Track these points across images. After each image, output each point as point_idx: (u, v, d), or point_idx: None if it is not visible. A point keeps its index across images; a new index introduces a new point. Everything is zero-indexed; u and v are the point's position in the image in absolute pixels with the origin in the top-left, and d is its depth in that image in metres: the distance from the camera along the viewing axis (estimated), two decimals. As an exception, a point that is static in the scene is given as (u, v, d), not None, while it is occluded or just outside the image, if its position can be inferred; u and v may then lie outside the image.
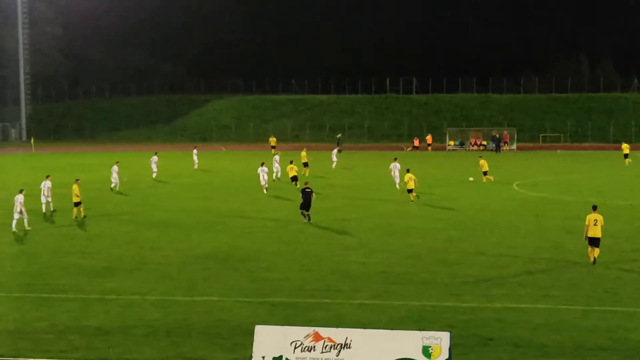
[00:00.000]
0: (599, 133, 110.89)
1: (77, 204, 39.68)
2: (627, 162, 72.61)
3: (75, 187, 39.85)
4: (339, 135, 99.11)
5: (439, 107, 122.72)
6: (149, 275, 26.81)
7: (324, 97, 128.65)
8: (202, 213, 41.76)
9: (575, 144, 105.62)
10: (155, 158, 60.52)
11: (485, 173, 56.81)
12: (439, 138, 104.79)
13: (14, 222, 36.49)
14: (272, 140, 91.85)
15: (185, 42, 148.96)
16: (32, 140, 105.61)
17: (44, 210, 41.30)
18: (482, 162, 57.62)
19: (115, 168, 53.13)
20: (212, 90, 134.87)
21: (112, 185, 52.58)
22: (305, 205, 38.58)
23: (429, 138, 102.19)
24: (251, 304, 23.10)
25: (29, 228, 36.68)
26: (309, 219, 38.18)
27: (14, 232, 35.99)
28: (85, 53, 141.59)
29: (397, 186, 52.11)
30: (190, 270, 27.55)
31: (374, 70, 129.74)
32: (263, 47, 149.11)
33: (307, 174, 59.71)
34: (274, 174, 58.08)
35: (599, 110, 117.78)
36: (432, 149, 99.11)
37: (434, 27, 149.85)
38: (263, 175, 50.96)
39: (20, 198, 36.80)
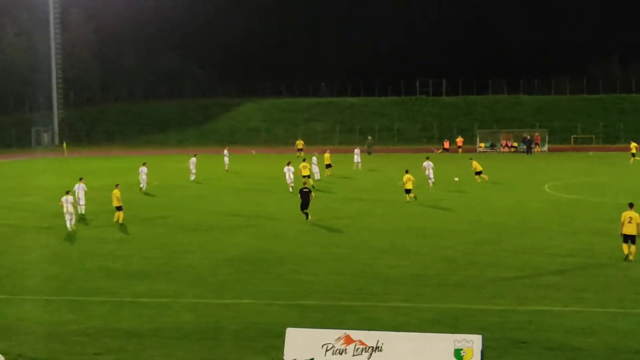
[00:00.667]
0: (632, 134, 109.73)
1: (118, 208, 39.79)
2: (632, 161, 74.12)
3: (116, 191, 40.01)
4: (369, 138, 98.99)
5: (469, 109, 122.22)
6: (181, 278, 26.93)
7: (353, 99, 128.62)
8: (233, 216, 41.88)
9: (607, 145, 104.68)
10: (193, 160, 61.52)
11: (479, 173, 57.33)
12: (470, 140, 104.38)
13: (67, 222, 37.28)
14: (299, 143, 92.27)
15: (216, 46, 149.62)
16: (65, 144, 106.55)
17: (81, 212, 41.64)
18: (474, 163, 58.10)
19: (143, 169, 54.25)
20: (243, 93, 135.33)
21: (140, 186, 53.69)
22: (304, 204, 39.78)
23: (459, 140, 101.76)
24: (282, 306, 23.13)
25: (71, 229, 37.24)
26: (307, 217, 39.37)
27: (69, 232, 36.85)
28: (117, 57, 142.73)
29: (431, 184, 53.70)
30: (221, 273, 27.64)
31: (404, 72, 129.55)
32: (293, 50, 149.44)
33: (329, 174, 61.90)
34: (314, 175, 58.92)
35: (631, 111, 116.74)
36: (463, 151, 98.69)
37: (463, 28, 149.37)
38: (289, 175, 52.42)
39: (70, 199, 37.67)
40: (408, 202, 46.25)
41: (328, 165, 64.00)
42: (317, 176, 59.53)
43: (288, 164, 53.54)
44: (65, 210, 37.47)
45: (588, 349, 19.15)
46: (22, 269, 29.08)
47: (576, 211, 42.51)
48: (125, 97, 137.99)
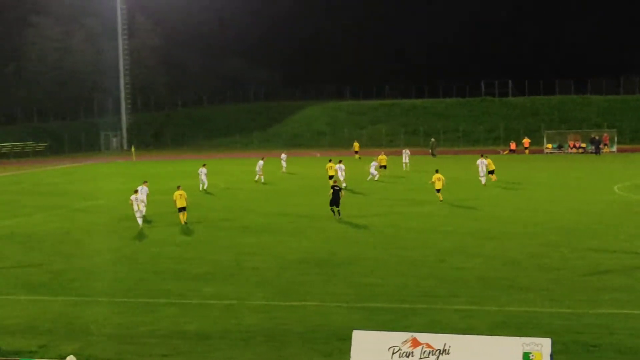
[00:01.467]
0: None
1: (182, 209, 40.45)
2: None
3: (180, 192, 40.71)
4: (433, 140, 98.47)
5: (536, 109, 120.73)
6: (247, 280, 27.13)
7: (418, 101, 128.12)
8: (297, 218, 42.06)
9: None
10: (260, 163, 62.78)
11: (491, 172, 57.21)
12: (537, 141, 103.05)
13: (139, 220, 39.57)
14: (356, 145, 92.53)
15: (280, 50, 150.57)
16: (133, 148, 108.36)
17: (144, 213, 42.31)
18: (488, 161, 57.84)
19: (203, 170, 56.45)
20: (307, 97, 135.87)
21: (201, 187, 55.43)
22: (334, 201, 41.16)
23: (526, 141, 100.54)
24: (348, 309, 23.13)
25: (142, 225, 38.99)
26: (339, 215, 40.79)
27: (141, 228, 38.90)
28: (183, 62, 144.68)
29: (482, 181, 56.17)
30: (287, 275, 27.76)
31: (469, 73, 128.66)
32: (357, 53, 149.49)
33: (383, 174, 63.46)
34: (370, 177, 61.23)
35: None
36: (530, 152, 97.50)
37: (529, 28, 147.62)
38: (341, 173, 56.02)
39: (139, 197, 39.84)
40: (441, 201, 46.70)
41: (383, 167, 65.30)
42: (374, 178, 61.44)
43: (339, 162, 57.60)
44: (135, 208, 39.39)
45: (661, 353, 18.76)
46: (93, 271, 29.63)
47: (647, 212, 41.66)
48: (191, 102, 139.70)
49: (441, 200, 46.86)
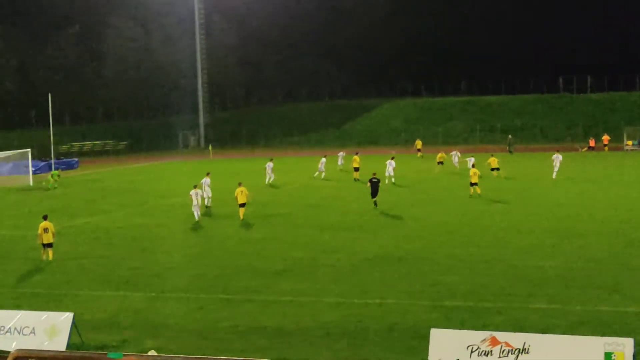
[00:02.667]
0: None
1: (242, 205, 41.57)
2: None
3: (242, 189, 41.90)
4: (510, 137, 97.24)
5: (615, 105, 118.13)
6: (324, 278, 27.24)
7: (493, 98, 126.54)
8: (373, 216, 41.97)
9: None
10: (342, 153, 66.72)
11: (495, 169, 57.25)
12: (616, 138, 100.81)
13: (195, 214, 42.01)
14: (418, 143, 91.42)
15: (354, 48, 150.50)
16: (210, 147, 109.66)
17: (207, 204, 45.63)
18: (492, 159, 57.78)
19: (270, 165, 59.72)
20: (381, 94, 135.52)
21: (267, 181, 58.50)
22: (373, 193, 44.69)
23: (605, 138, 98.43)
24: (425, 307, 23.04)
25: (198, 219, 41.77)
26: (376, 205, 44.21)
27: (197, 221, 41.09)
28: (258, 61, 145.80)
29: (554, 175, 57.02)
30: (364, 273, 27.78)
31: (546, 69, 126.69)
32: (431, 49, 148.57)
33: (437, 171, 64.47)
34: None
35: None
36: (609, 149, 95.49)
37: (608, 23, 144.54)
38: (391, 168, 57.84)
39: (199, 192, 42.90)
40: (471, 195, 48.28)
41: (440, 163, 66.19)
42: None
43: (392, 158, 59.49)
44: (195, 202, 41.94)
45: None
46: (172, 267, 30.11)
47: None
48: (266, 100, 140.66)
49: (478, 194, 48.12)
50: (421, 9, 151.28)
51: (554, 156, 58.84)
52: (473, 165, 50.68)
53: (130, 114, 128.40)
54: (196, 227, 40.20)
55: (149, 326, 22.08)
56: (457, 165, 67.75)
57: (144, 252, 33.44)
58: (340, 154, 73.22)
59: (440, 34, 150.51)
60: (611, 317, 21.43)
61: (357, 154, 64.39)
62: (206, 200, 46.05)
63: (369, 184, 45.67)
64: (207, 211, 45.07)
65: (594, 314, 21.78)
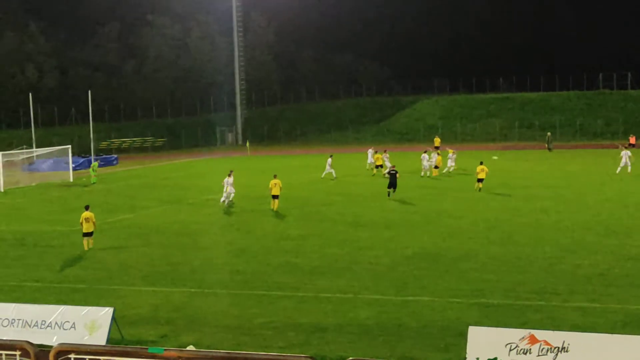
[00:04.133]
0: None
1: (275, 197, 43.82)
2: None
3: (276, 181, 44.02)
4: (549, 134, 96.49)
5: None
6: (361, 275, 27.23)
7: (533, 94, 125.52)
8: (409, 214, 41.90)
9: None
10: (371, 150, 67.03)
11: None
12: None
13: (224, 198, 46.33)
14: (437, 141, 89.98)
15: (392, 44, 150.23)
16: (248, 143, 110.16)
17: (230, 200, 46.94)
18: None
19: (329, 161, 61.96)
20: (419, 90, 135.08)
21: (328, 175, 60.82)
22: (391, 184, 47.77)
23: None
24: (463, 304, 22.95)
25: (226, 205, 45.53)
26: (389, 195, 47.36)
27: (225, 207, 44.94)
28: (296, 58, 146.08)
29: (628, 169, 58.36)
30: (401, 270, 27.73)
31: (586, 65, 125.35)
32: (470, 45, 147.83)
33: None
34: (447, 169, 63.53)
35: None
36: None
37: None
38: (424, 162, 60.85)
39: (230, 180, 46.41)
40: (478, 190, 49.93)
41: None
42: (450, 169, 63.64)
43: (425, 151, 63.11)
44: (225, 190, 46.15)
45: None
46: (210, 263, 30.30)
47: None
48: (303, 97, 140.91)
49: (479, 190, 49.96)
50: (461, 5, 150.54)
51: (623, 152, 60.29)
52: (481, 162, 52.24)
53: (169, 110, 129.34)
54: (233, 223, 40.37)
55: (187, 321, 22.23)
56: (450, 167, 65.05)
57: (183, 248, 33.66)
58: (370, 151, 72.13)
59: (479, 30, 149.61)
60: (652, 316, 21.20)
61: (385, 151, 66.17)
62: (226, 198, 46.96)
63: (387, 174, 49.17)
64: (233, 208, 45.77)
65: (636, 312, 21.54)
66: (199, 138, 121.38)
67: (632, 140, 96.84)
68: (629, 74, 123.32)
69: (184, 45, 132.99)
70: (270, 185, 44.15)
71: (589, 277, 25.80)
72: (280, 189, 43.93)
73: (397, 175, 48.40)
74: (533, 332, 16.70)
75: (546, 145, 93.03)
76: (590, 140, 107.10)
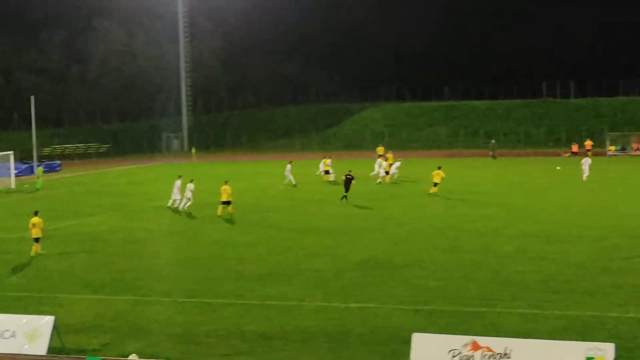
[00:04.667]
0: None
1: (225, 203, 44.19)
2: None
3: (225, 187, 44.37)
4: (493, 142, 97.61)
5: (598, 111, 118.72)
6: (307, 282, 27.22)
7: (477, 102, 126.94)
8: (357, 220, 42.01)
9: None
10: (329, 161, 65.69)
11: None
12: (599, 143, 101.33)
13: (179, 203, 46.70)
14: (380, 150, 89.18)
15: (339, 52, 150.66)
16: (194, 150, 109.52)
17: (178, 206, 46.95)
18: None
19: (288, 167, 61.54)
20: (366, 98, 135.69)
21: (292, 183, 60.33)
22: (347, 188, 49.32)
23: (587, 143, 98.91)
24: (408, 311, 23.07)
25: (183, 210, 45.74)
26: (344, 199, 48.66)
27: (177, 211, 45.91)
28: (243, 64, 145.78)
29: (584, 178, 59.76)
30: (347, 277, 27.78)
31: (530, 74, 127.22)
32: (416, 54, 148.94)
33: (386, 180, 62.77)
34: (390, 176, 62.96)
35: None
36: (592, 155, 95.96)
37: (590, 28, 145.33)
38: (378, 169, 61.88)
39: (191, 186, 46.56)
40: (430, 193, 51.34)
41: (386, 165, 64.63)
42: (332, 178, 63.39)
43: (379, 156, 65.24)
44: (173, 193, 46.84)
45: None
46: (155, 271, 30.01)
47: None
48: (251, 103, 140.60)
49: (432, 193, 51.39)
50: (407, 14, 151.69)
51: (583, 160, 62.58)
52: (439, 167, 53.00)
53: (114, 116, 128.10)
54: (180, 230, 40.10)
55: (130, 330, 22.00)
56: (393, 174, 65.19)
57: (127, 255, 33.31)
58: (327, 161, 71.73)
59: (425, 39, 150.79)
60: (592, 322, 21.53)
61: (327, 157, 66.04)
62: (177, 203, 47.40)
63: (344, 177, 50.42)
64: (189, 214, 45.49)
65: (575, 319, 21.87)
66: (144, 144, 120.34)
67: (575, 148, 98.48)
68: (572, 83, 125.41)
69: (130, 50, 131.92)
70: (221, 191, 44.37)
71: (532, 283, 26.13)
72: (230, 195, 44.21)
73: (353, 181, 50.03)
74: (476, 338, 16.85)
75: (491, 153, 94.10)
76: (534, 148, 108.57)
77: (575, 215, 42.39)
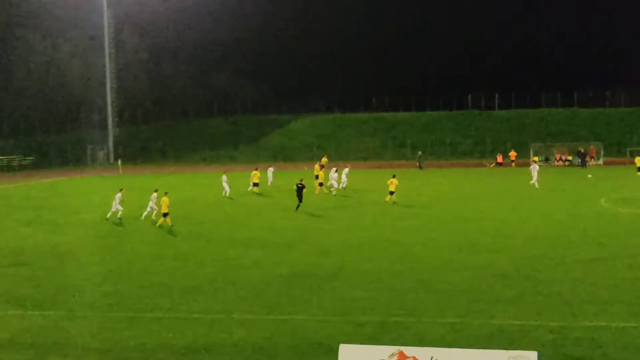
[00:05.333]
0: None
1: (165, 214, 43.70)
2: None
3: (164, 199, 43.98)
4: (420, 153, 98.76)
5: (522, 122, 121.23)
6: (234, 294, 27.08)
7: (405, 114, 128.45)
8: (285, 232, 42.02)
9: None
10: (271, 169, 67.59)
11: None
12: (523, 154, 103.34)
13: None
14: (324, 161, 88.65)
15: (267, 63, 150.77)
16: (119, 162, 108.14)
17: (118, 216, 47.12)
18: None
19: (224, 177, 61.18)
20: (294, 109, 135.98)
21: (224, 194, 59.89)
22: (298, 198, 50.48)
23: (512, 154, 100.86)
24: (335, 322, 23.12)
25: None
26: (297, 208, 49.67)
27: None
28: (170, 75, 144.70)
29: (535, 184, 62.28)
30: (274, 289, 27.72)
31: (456, 86, 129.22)
32: (344, 66, 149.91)
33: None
34: (340, 185, 63.69)
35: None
36: (516, 165, 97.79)
37: (515, 41, 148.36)
38: (340, 176, 62.79)
39: (119, 196, 47.07)
40: (387, 201, 52.62)
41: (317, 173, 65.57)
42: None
43: (346, 167, 65.81)
44: (113, 206, 47.07)
45: (647, 365, 18.84)
46: (79, 285, 29.49)
47: (634, 225, 41.85)
48: (178, 115, 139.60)
49: (389, 201, 52.81)
50: (334, 26, 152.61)
51: (532, 167, 65.40)
52: (394, 176, 54.31)
53: (38, 128, 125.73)
54: (106, 243, 39.48)
55: (54, 345, 21.57)
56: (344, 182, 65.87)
57: (51, 270, 32.68)
58: (270, 169, 71.69)
59: (352, 50, 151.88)
60: (517, 330, 21.88)
61: (256, 169, 65.30)
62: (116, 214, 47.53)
63: (295, 187, 51.47)
64: (117, 224, 45.29)
65: (500, 327, 22.19)
66: (68, 157, 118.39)
67: (499, 159, 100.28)
68: (496, 95, 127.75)
69: (54, 61, 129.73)
70: (161, 202, 44.51)
71: (457, 293, 26.44)
72: (168, 206, 44.06)
73: (304, 189, 51.43)
74: (402, 348, 16.95)
75: (418, 163, 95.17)
76: (460, 158, 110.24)
77: (499, 224, 43.12)
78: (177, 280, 29.72)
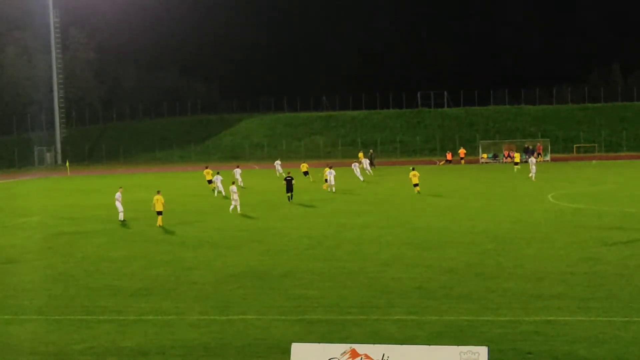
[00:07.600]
0: (634, 142, 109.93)
1: (159, 213, 44.52)
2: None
3: (158, 197, 44.78)
4: (371, 151, 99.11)
5: (471, 120, 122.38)
6: (185, 295, 26.88)
7: (355, 112, 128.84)
8: (237, 231, 41.85)
9: (610, 154, 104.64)
10: (238, 170, 67.49)
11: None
12: (472, 151, 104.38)
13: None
14: (304, 166, 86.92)
15: (216, 63, 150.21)
16: (68, 163, 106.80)
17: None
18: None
19: (218, 177, 61.37)
20: (244, 109, 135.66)
21: (215, 193, 60.67)
22: (288, 190, 53.59)
23: (461, 151, 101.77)
24: (287, 321, 23.07)
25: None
26: (290, 199, 53.10)
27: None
28: (118, 76, 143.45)
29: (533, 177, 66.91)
30: (226, 289, 27.58)
31: (405, 84, 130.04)
32: (293, 64, 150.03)
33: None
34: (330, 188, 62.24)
35: (633, 119, 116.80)
36: (465, 162, 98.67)
37: (464, 39, 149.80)
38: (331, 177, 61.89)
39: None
40: (417, 193, 56.10)
41: (305, 173, 70.49)
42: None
43: (330, 167, 63.07)
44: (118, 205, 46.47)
45: (595, 358, 19.09)
46: (26, 288, 29.02)
47: (581, 220, 42.45)
48: (127, 115, 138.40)
49: (418, 192, 56.82)
50: (281, 25, 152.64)
51: (530, 160, 70.30)
52: (413, 168, 58.94)
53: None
54: (52, 246, 38.93)
55: (0, 350, 21.17)
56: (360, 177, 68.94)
57: (-3, 273, 32.13)
58: (237, 170, 69.63)
59: (303, 50, 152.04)
60: (467, 326, 22.03)
61: (207, 167, 67.08)
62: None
63: (284, 181, 54.67)
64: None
65: (451, 323, 22.33)
66: (15, 158, 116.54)
67: (449, 156, 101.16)
68: (445, 93, 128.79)
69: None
70: (154, 201, 44.79)
71: (408, 290, 26.56)
72: (163, 204, 44.68)
73: (293, 181, 54.54)
74: (354, 346, 16.96)
75: (369, 161, 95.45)
76: (410, 156, 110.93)
77: (449, 221, 43.41)
78: (126, 282, 29.42)
